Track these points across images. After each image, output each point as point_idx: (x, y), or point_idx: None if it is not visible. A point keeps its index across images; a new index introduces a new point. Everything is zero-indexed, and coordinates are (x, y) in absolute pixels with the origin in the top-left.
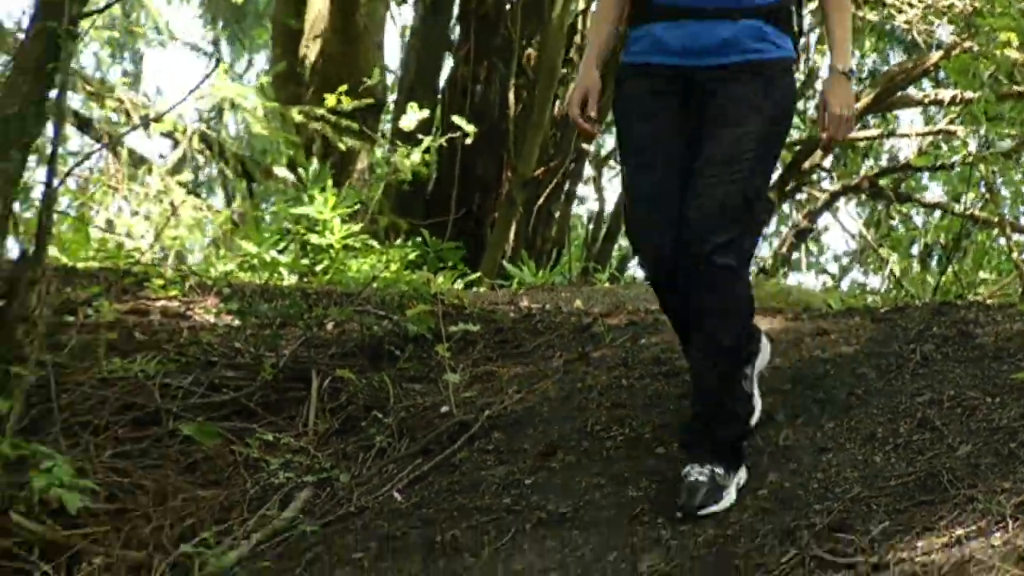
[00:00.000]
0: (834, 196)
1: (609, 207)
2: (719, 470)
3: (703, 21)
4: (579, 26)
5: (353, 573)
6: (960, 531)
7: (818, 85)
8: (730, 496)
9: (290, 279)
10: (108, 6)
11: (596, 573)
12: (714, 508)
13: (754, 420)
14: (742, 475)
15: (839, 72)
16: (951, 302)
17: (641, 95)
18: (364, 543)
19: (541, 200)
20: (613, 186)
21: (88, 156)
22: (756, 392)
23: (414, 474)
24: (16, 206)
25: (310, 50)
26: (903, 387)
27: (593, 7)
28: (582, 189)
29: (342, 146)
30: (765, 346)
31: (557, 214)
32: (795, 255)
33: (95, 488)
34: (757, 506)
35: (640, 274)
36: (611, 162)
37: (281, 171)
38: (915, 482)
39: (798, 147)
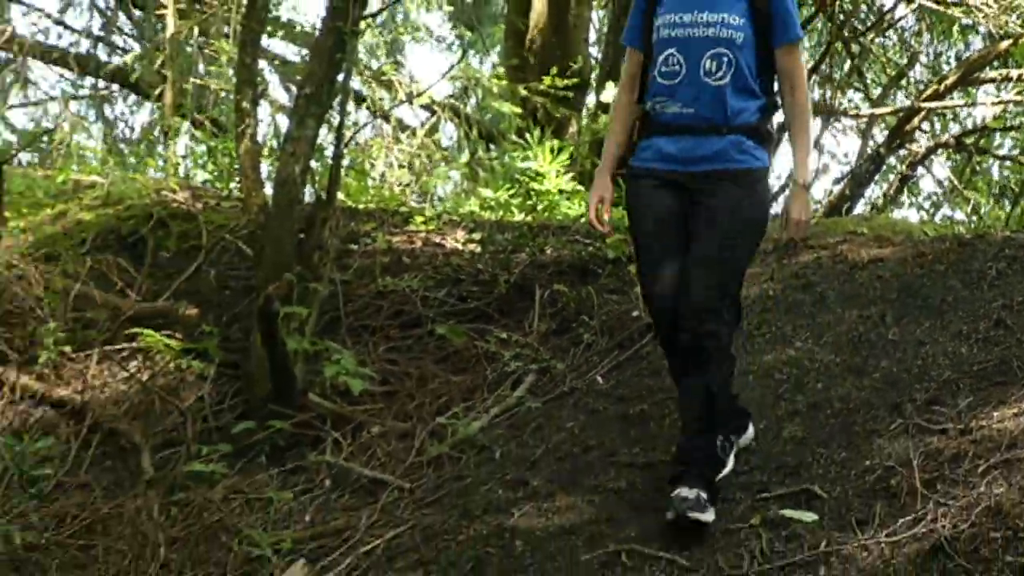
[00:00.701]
0: (929, 151)
1: None
2: (703, 494)
3: (697, 137)
4: None
5: (566, 439)
6: None
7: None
8: (711, 514)
9: (518, 216)
10: (381, 11)
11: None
12: (699, 515)
13: (719, 476)
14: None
15: (800, 186)
16: (1019, 231)
17: (648, 191)
18: (574, 416)
19: None
20: None
21: (366, 124)
22: (731, 459)
23: (612, 363)
24: (313, 163)
25: (533, 43)
26: (983, 295)
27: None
28: None
29: (557, 115)
30: (750, 427)
31: None
32: (900, 197)
33: (372, 375)
34: (871, 387)
35: None
36: None
37: (511, 134)
38: (992, 367)
39: (900, 114)
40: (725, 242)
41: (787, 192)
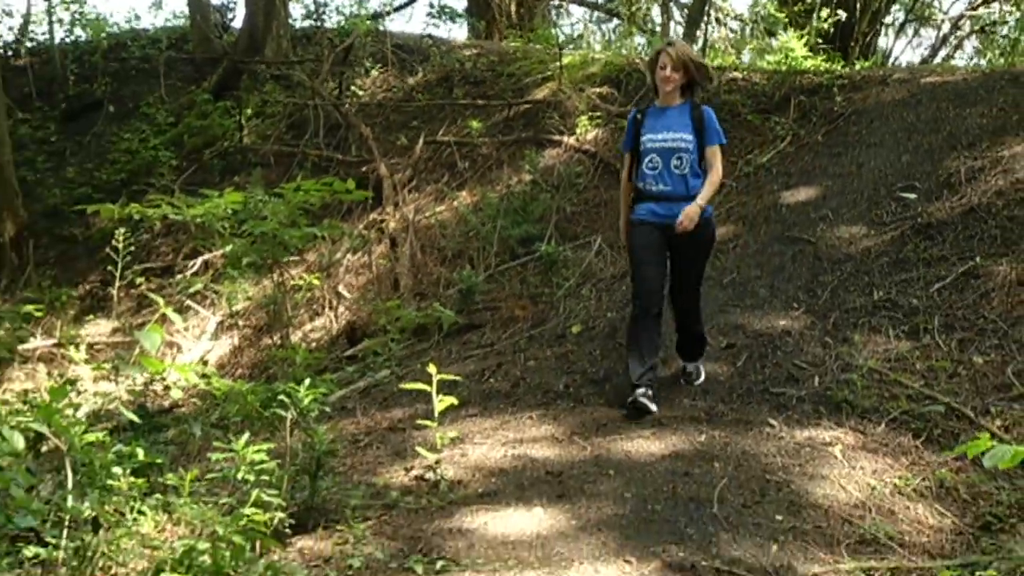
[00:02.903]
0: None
1: None
2: (699, 365)
3: (672, 202)
4: None
5: None
6: None
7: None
8: (703, 375)
9: None
10: None
11: None
12: (699, 380)
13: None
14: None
15: (697, 203)
16: None
17: (643, 232)
18: None
19: None
20: None
21: None
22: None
23: None
24: None
25: None
26: None
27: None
28: None
29: None
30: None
31: None
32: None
33: None
34: None
35: None
36: None
37: None
38: None
39: None
40: (695, 275)
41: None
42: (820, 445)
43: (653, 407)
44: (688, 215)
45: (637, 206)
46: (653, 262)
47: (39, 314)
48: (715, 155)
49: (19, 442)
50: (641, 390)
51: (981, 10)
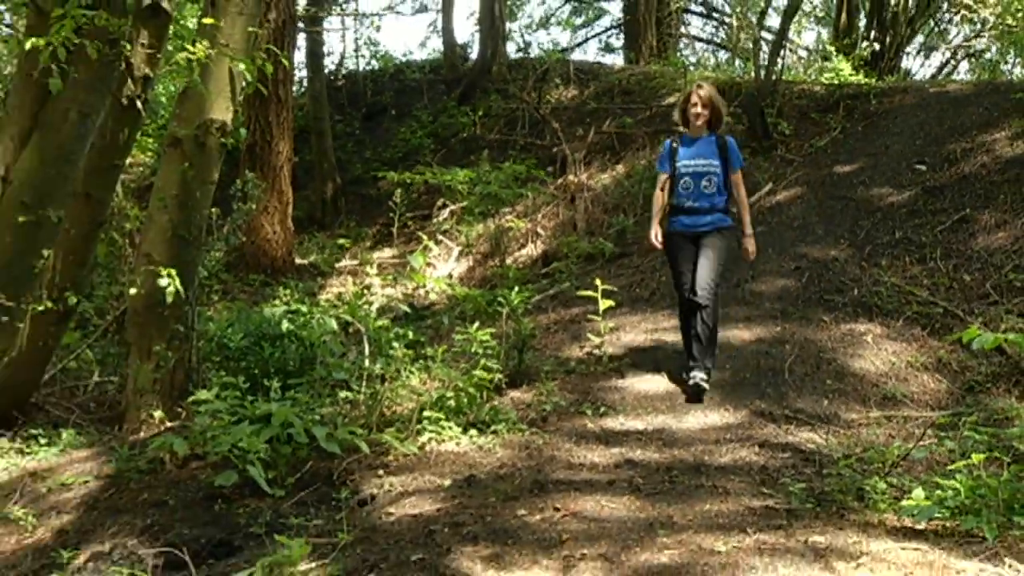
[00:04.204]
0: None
1: None
2: (709, 366)
3: (700, 215)
4: None
5: None
6: None
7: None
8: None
9: None
10: None
11: None
12: (706, 386)
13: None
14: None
15: (747, 235)
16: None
17: (677, 241)
18: None
19: None
20: None
21: None
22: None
23: None
24: None
25: None
26: None
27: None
28: None
29: None
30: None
31: None
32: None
33: None
34: None
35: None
36: None
37: None
38: None
39: None
40: (717, 259)
41: (743, 238)
42: (857, 335)
43: (706, 387)
44: (751, 249)
45: (672, 218)
46: (689, 267)
47: (348, 244)
48: (739, 179)
49: (335, 325)
50: (697, 373)
51: (973, 41)
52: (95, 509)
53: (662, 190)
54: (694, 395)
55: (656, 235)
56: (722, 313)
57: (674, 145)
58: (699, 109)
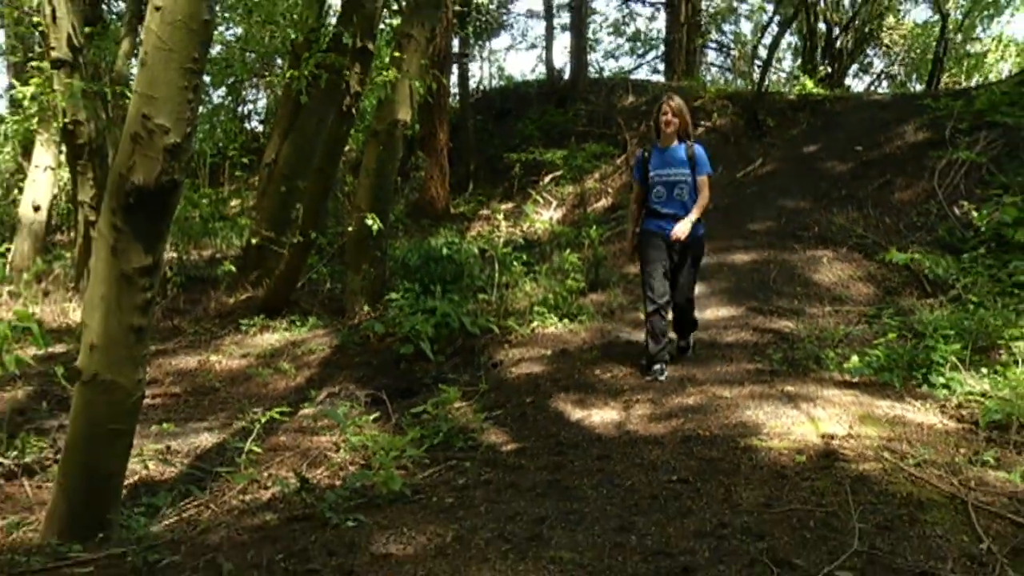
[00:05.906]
0: None
1: None
2: (690, 340)
3: (674, 220)
4: None
5: None
6: None
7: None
8: (692, 345)
9: None
10: None
11: None
12: (689, 352)
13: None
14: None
15: (688, 219)
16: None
17: (651, 241)
18: None
19: None
20: None
21: None
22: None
23: None
24: None
25: None
26: None
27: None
28: None
29: None
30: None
31: None
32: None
33: None
34: None
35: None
36: None
37: None
38: None
39: None
40: (696, 274)
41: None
42: (817, 258)
43: (663, 377)
44: (681, 229)
45: (647, 220)
46: (660, 267)
47: (484, 200)
48: (704, 184)
49: (476, 251)
50: (657, 366)
51: (890, 68)
52: (328, 366)
53: (635, 202)
54: (653, 380)
55: (635, 244)
56: (727, 244)
57: (646, 155)
58: (669, 117)
